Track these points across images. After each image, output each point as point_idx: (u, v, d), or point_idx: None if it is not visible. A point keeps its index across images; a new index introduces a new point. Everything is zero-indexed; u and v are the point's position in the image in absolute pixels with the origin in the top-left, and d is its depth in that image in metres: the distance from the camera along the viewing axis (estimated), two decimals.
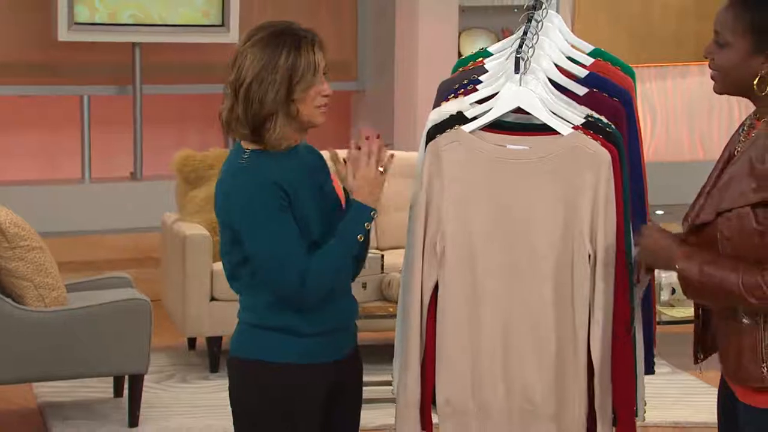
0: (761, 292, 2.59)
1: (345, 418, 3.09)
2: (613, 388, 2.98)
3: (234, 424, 3.04)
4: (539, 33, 3.07)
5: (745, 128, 2.77)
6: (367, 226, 2.93)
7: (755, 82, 2.66)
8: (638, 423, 3.11)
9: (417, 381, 3.03)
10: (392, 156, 2.99)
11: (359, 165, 2.95)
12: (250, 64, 2.90)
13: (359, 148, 2.96)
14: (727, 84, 2.71)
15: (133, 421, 5.17)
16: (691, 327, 2.94)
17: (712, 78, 2.73)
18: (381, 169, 2.95)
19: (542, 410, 2.99)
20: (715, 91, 2.76)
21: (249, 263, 2.94)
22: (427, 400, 3.05)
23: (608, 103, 3.04)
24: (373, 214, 2.93)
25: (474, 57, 3.30)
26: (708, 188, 2.78)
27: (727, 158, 2.79)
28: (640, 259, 2.84)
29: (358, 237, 2.92)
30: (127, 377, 5.20)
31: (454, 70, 3.32)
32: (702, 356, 2.89)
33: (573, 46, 3.19)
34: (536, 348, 2.98)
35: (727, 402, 2.81)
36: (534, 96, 2.98)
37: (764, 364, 2.63)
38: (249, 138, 2.95)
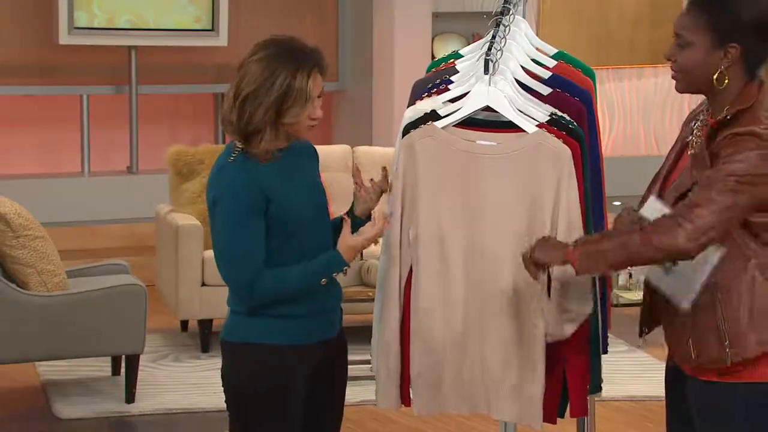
0: (664, 223, 2.56)
1: (328, 395, 3.07)
2: (567, 364, 2.98)
3: (226, 403, 3.01)
4: (507, 37, 3.06)
5: (699, 123, 2.76)
6: (335, 275, 2.95)
7: (715, 77, 2.66)
8: (598, 397, 3.12)
9: (397, 357, 3.03)
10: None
11: (363, 233, 2.94)
12: (249, 79, 2.86)
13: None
14: (689, 82, 2.70)
15: (130, 397, 5.16)
16: None
17: (674, 78, 2.71)
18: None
19: (501, 384, 2.99)
20: (677, 90, 2.74)
21: None
22: (406, 375, 3.04)
23: (570, 102, 3.04)
24: (345, 269, 2.94)
25: (446, 59, 3.29)
26: (662, 176, 2.78)
27: (679, 150, 2.79)
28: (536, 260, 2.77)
29: (322, 280, 2.93)
30: (124, 357, 5.17)
31: (428, 70, 3.31)
32: (647, 331, 2.88)
33: (538, 49, 3.19)
34: (497, 328, 2.98)
35: (674, 378, 2.81)
36: (502, 95, 2.97)
37: (727, 343, 2.62)
38: (241, 143, 2.93)
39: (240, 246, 2.87)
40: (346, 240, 2.93)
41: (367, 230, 2.94)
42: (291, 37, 2.94)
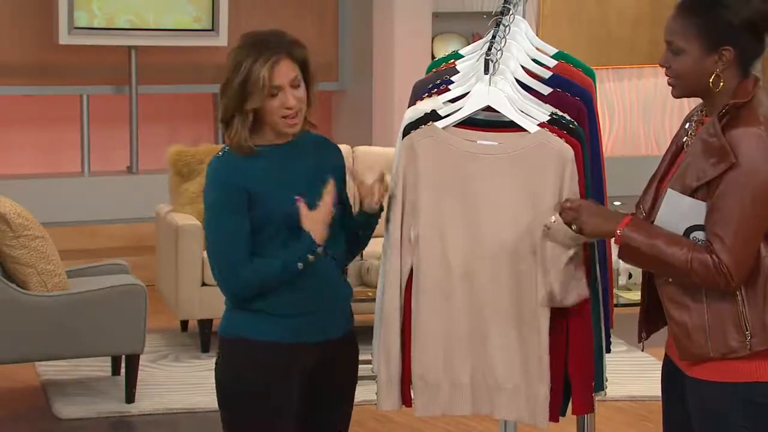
0: (707, 272, 2.59)
1: (330, 398, 3.07)
2: (569, 361, 2.98)
3: (217, 397, 3.02)
4: (507, 37, 3.06)
5: (694, 123, 2.76)
6: (311, 258, 2.91)
7: (711, 80, 2.66)
8: (600, 396, 3.11)
9: (398, 358, 3.03)
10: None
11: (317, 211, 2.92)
12: (225, 70, 2.92)
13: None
14: (685, 88, 2.70)
15: (130, 397, 5.16)
16: None
17: (670, 84, 2.71)
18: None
19: (504, 385, 2.98)
20: (674, 96, 2.74)
21: None
22: (406, 376, 3.04)
23: (570, 101, 3.03)
24: (318, 249, 2.91)
25: (446, 59, 3.29)
26: (659, 177, 2.78)
27: (675, 151, 2.78)
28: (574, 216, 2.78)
29: (299, 265, 2.91)
30: (124, 357, 5.18)
31: (428, 71, 3.30)
32: (645, 336, 2.88)
33: (538, 49, 3.19)
34: (499, 328, 2.98)
35: (671, 378, 2.80)
36: (502, 95, 2.97)
37: (748, 332, 2.62)
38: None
39: (221, 239, 2.91)
40: (307, 216, 2.89)
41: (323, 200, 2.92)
42: (271, 30, 2.95)
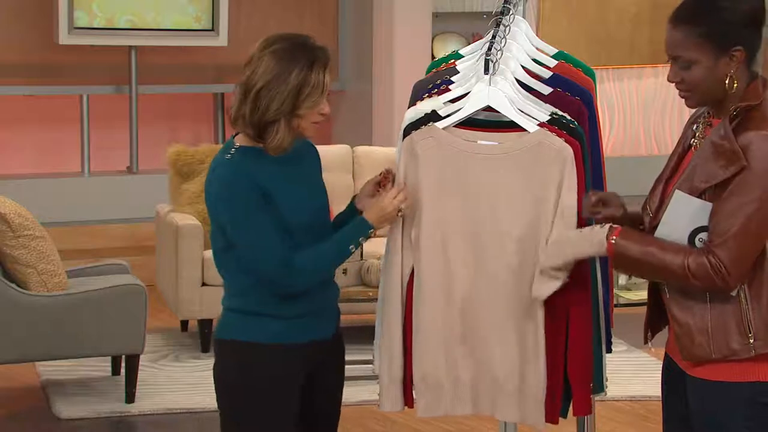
0: (704, 273, 2.59)
1: (325, 395, 3.07)
2: (568, 362, 2.98)
3: (217, 401, 3.02)
4: (507, 37, 3.06)
5: (701, 125, 2.75)
6: (362, 239, 2.93)
7: (726, 83, 2.64)
8: (600, 397, 3.11)
9: (400, 360, 3.03)
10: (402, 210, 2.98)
11: (385, 196, 2.95)
12: (263, 70, 2.84)
13: (390, 178, 3.01)
14: (701, 97, 2.67)
15: (130, 397, 5.16)
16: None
17: (683, 97, 2.68)
18: (399, 213, 2.96)
19: (505, 385, 2.99)
20: (689, 106, 2.71)
21: (231, 250, 2.92)
22: (408, 377, 3.04)
23: (570, 101, 3.04)
24: (371, 232, 2.93)
25: (446, 59, 3.29)
26: (665, 178, 2.77)
27: (681, 152, 2.78)
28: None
29: (351, 247, 2.92)
30: (124, 357, 5.18)
31: (428, 71, 3.31)
32: (651, 335, 2.88)
33: (538, 49, 3.19)
34: (500, 329, 2.98)
35: (671, 378, 2.80)
36: (503, 95, 2.97)
37: (751, 335, 2.62)
38: (253, 138, 2.91)
39: (261, 233, 2.86)
40: (368, 201, 2.95)
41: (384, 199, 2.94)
42: (301, 34, 2.94)
